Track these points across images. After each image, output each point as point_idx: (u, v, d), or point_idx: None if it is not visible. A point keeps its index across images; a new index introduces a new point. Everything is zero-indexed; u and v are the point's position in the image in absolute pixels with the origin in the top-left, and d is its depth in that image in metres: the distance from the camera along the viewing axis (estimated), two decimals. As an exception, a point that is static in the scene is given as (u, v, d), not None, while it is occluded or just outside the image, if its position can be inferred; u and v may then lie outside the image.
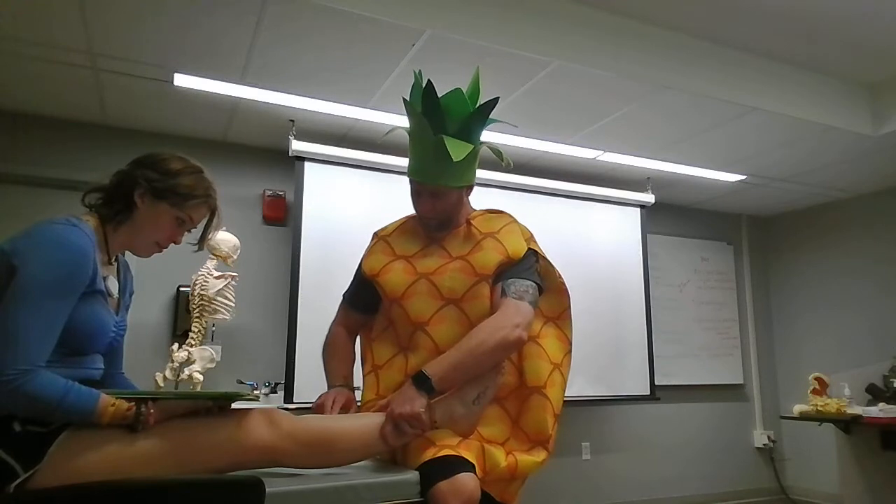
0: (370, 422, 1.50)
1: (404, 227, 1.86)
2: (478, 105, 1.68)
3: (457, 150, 1.60)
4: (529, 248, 1.73)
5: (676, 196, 4.99)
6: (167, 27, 2.58)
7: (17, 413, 1.18)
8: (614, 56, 2.98)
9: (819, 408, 3.77)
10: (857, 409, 3.65)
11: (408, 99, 1.71)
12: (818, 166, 4.24)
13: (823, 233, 5.18)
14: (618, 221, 4.55)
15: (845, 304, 4.94)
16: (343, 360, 1.85)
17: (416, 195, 1.75)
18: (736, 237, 5.51)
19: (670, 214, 5.13)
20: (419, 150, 1.70)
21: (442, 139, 1.61)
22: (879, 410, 3.54)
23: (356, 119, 3.48)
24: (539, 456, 1.67)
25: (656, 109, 3.37)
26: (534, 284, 1.69)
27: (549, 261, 1.81)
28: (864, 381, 3.95)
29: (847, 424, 3.79)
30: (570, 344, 1.80)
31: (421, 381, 1.53)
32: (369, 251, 1.85)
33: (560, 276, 1.82)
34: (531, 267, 1.72)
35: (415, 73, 1.72)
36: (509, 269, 1.68)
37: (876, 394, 3.88)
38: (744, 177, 4.48)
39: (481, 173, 4.18)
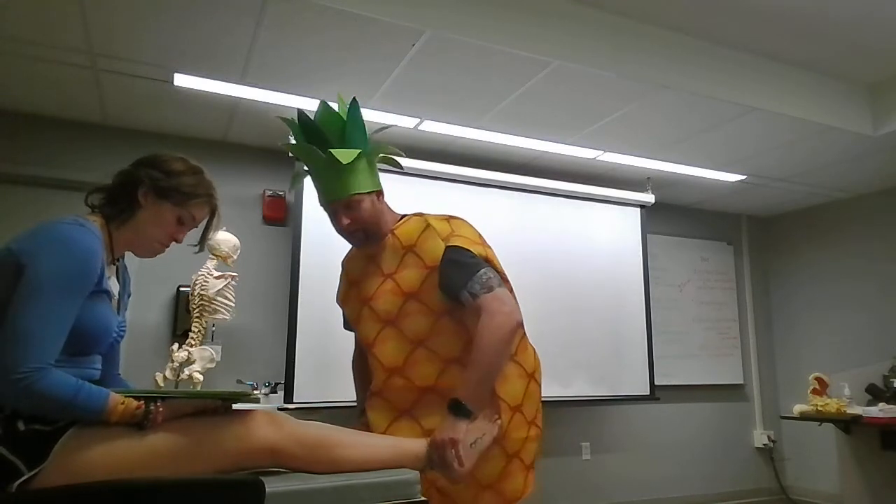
0: (373, 437, 1.52)
1: (352, 249, 1.95)
2: (347, 114, 1.77)
3: (344, 155, 1.70)
4: (447, 246, 1.73)
5: (676, 196, 4.99)
6: (167, 27, 2.58)
7: (28, 411, 1.19)
8: (614, 56, 2.98)
9: (819, 408, 3.77)
10: (857, 409, 3.65)
11: (292, 143, 1.82)
12: (818, 166, 4.24)
13: (823, 233, 5.19)
14: (618, 221, 4.55)
15: (845, 304, 4.94)
16: (363, 385, 1.98)
17: (334, 216, 1.80)
18: (736, 237, 5.51)
19: (670, 214, 5.13)
20: (320, 176, 1.79)
21: (330, 153, 1.70)
22: (879, 410, 3.55)
23: (356, 119, 3.48)
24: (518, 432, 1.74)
25: (656, 109, 3.37)
26: (484, 269, 1.70)
27: (485, 245, 1.82)
28: (864, 381, 3.96)
29: (847, 424, 3.80)
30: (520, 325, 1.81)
31: (457, 407, 1.57)
32: (340, 279, 2.00)
33: (497, 261, 1.81)
34: (462, 258, 1.71)
35: (298, 113, 1.80)
36: (443, 275, 1.71)
37: (876, 394, 3.88)
38: (744, 177, 4.48)
39: (483, 173, 4.19)
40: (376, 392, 1.81)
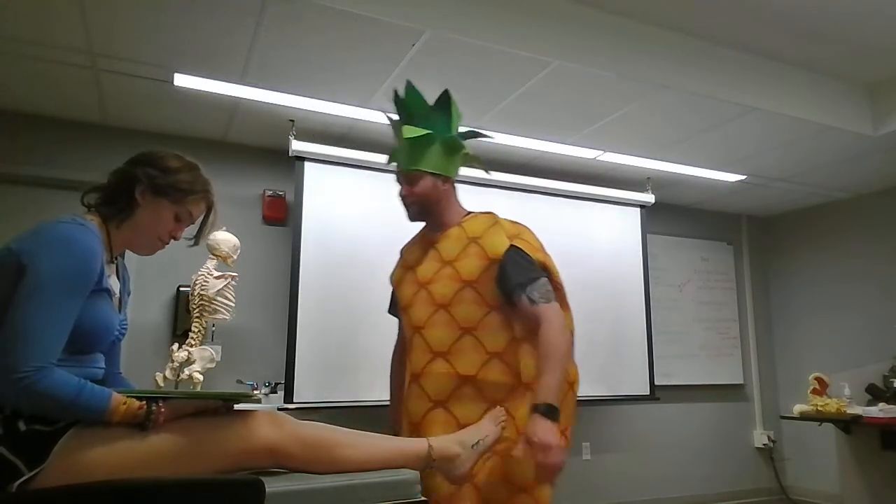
0: (373, 437, 1.51)
1: (415, 237, 2.04)
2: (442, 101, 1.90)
3: (408, 132, 1.86)
4: (511, 245, 1.80)
5: (676, 196, 4.99)
6: (167, 27, 2.58)
7: (29, 411, 1.19)
8: (614, 56, 2.98)
9: (819, 408, 3.77)
10: (857, 409, 3.65)
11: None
12: (818, 166, 4.24)
13: (823, 233, 5.19)
14: (618, 221, 4.55)
15: (845, 304, 4.94)
16: (398, 388, 2.05)
17: (399, 185, 1.94)
18: (736, 237, 5.51)
19: (670, 214, 5.13)
20: (398, 147, 1.94)
21: (401, 126, 1.88)
22: (879, 410, 3.54)
23: (356, 119, 3.48)
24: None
25: (656, 109, 3.37)
26: (544, 278, 1.78)
27: (545, 253, 1.87)
28: (864, 381, 3.95)
29: (847, 424, 3.80)
30: (572, 334, 1.87)
31: (550, 410, 1.62)
32: (395, 264, 2.07)
33: (555, 270, 1.88)
34: (523, 261, 1.78)
35: (395, 90, 1.93)
36: (502, 271, 1.77)
37: (876, 394, 3.88)
38: (744, 177, 4.48)
39: (483, 173, 4.16)
40: (415, 376, 1.85)
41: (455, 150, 1.94)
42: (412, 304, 1.89)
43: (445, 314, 1.80)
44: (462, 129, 1.97)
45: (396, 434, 1.98)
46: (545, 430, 1.59)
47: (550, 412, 1.61)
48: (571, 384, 1.84)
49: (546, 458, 1.58)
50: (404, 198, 1.92)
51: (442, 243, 1.90)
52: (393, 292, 2.07)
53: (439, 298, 1.82)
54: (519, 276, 1.75)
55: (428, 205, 1.90)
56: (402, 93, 1.91)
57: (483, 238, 1.83)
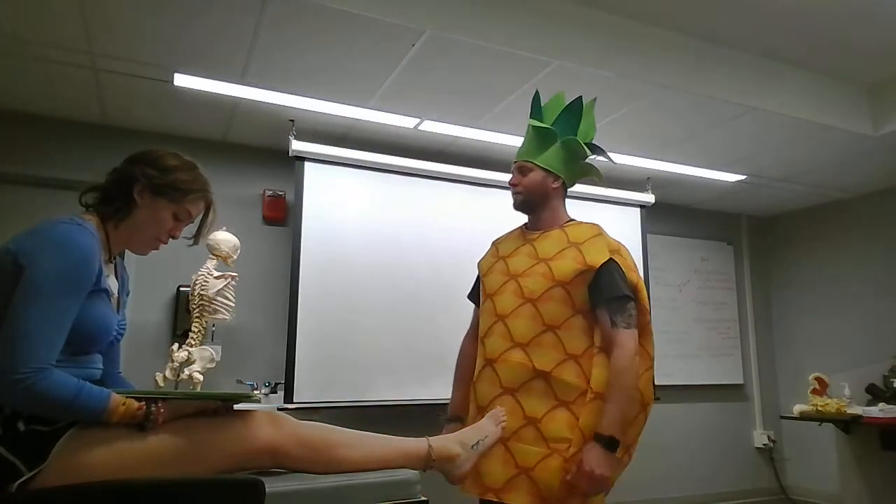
0: (373, 437, 1.51)
1: (511, 232, 2.10)
2: (566, 106, 2.00)
3: (532, 122, 1.99)
4: (611, 258, 1.83)
5: (676, 196, 4.99)
6: (167, 27, 2.58)
7: (29, 411, 1.19)
8: (614, 56, 2.98)
9: (819, 408, 3.77)
10: (857, 409, 3.65)
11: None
12: (818, 166, 4.24)
13: (823, 233, 5.18)
14: (618, 221, 4.54)
15: (845, 304, 4.94)
16: (460, 382, 2.07)
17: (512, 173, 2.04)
18: (736, 237, 5.51)
19: (670, 214, 5.13)
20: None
21: (529, 123, 1.99)
22: (879, 410, 3.55)
23: (356, 119, 3.48)
24: None
25: (656, 109, 3.37)
26: (632, 303, 1.82)
27: (638, 275, 1.90)
28: (864, 381, 3.96)
29: (847, 424, 3.80)
30: (652, 359, 1.92)
31: (611, 443, 1.69)
32: (485, 254, 2.13)
33: (644, 294, 1.91)
34: (618, 277, 1.82)
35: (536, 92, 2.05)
36: (596, 281, 1.81)
37: (876, 394, 3.88)
38: (744, 177, 4.48)
39: (483, 173, 4.17)
40: (490, 361, 1.88)
41: (573, 155, 2.00)
42: (500, 293, 1.92)
43: (532, 308, 1.84)
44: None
45: (456, 418, 2.01)
46: (598, 462, 1.66)
47: (610, 444, 1.68)
48: (645, 406, 1.88)
49: (588, 487, 1.65)
50: (512, 186, 2.00)
51: (540, 242, 1.94)
52: (478, 279, 2.10)
53: (528, 293, 1.85)
54: (611, 291, 1.80)
55: (533, 198, 1.97)
56: (545, 97, 2.00)
57: (584, 245, 1.86)
